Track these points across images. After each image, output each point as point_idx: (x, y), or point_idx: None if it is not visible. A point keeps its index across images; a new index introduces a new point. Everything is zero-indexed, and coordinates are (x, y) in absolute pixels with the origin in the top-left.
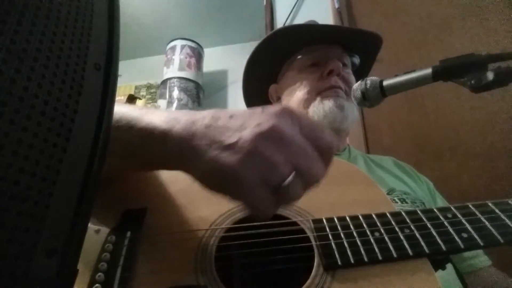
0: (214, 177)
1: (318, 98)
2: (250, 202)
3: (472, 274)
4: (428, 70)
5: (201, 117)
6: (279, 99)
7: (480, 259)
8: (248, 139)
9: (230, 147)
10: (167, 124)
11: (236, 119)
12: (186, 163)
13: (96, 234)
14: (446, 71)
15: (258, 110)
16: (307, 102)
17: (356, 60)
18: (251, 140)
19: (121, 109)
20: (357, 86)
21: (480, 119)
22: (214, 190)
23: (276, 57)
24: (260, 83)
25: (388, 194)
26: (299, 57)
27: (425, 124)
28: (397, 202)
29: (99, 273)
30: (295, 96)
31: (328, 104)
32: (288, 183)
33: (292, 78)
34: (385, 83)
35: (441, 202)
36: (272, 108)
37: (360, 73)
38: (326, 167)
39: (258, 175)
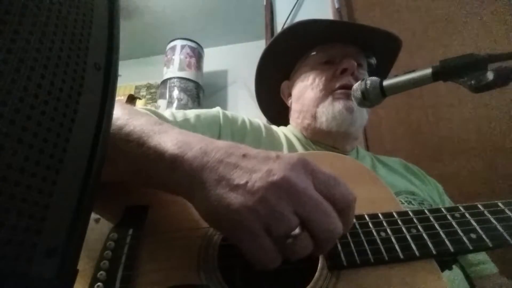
0: (218, 215)
1: (330, 99)
2: (250, 250)
3: (479, 280)
4: (428, 70)
5: (215, 148)
6: (290, 95)
7: (487, 266)
8: (257, 184)
9: (238, 187)
10: (178, 149)
11: (249, 159)
12: (191, 194)
13: (96, 223)
14: (446, 71)
15: (272, 155)
16: (318, 100)
17: (373, 61)
18: (259, 187)
19: (133, 122)
20: (357, 86)
21: (480, 119)
22: (215, 227)
23: (291, 53)
24: (272, 80)
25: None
26: (313, 53)
27: (425, 124)
28: (403, 204)
29: (101, 272)
30: (306, 94)
31: (338, 106)
32: (294, 235)
33: (304, 74)
34: (385, 83)
35: (449, 205)
36: (287, 157)
37: (377, 75)
38: (345, 224)
39: (262, 223)
